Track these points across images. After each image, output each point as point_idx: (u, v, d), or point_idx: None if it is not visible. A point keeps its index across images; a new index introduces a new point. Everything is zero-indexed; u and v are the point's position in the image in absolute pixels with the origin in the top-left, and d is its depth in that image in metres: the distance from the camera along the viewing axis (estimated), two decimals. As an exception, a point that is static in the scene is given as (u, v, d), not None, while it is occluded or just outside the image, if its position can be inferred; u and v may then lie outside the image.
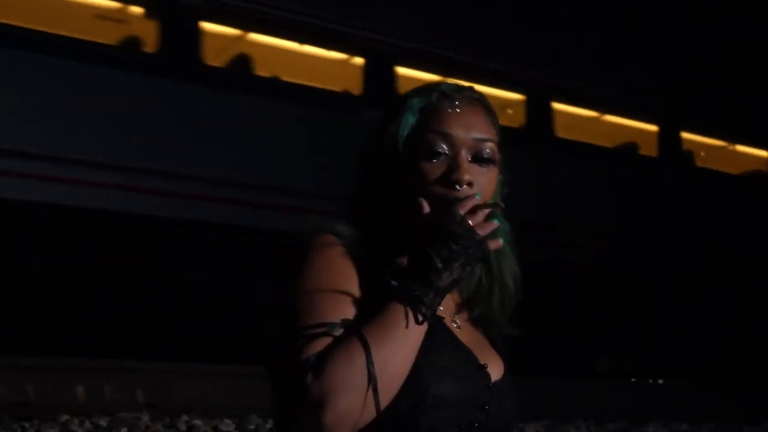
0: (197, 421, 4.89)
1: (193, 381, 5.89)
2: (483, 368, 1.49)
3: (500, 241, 1.46)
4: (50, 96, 6.85)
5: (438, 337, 1.44)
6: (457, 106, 1.51)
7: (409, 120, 1.52)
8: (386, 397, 1.33)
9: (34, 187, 6.73)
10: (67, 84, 6.91)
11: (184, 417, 4.99)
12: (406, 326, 1.36)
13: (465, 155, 1.49)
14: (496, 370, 1.53)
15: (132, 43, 7.54)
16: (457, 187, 1.45)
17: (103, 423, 4.69)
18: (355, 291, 1.42)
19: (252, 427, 5.00)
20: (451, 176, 1.46)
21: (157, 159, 7.19)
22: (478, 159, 1.50)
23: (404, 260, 1.46)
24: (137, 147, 7.16)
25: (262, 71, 8.07)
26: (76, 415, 4.78)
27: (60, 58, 6.90)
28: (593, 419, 6.58)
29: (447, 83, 1.55)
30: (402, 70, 8.57)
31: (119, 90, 7.14)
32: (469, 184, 1.46)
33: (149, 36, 7.49)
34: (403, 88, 7.61)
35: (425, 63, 8.73)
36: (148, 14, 7.58)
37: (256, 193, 7.57)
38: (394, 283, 1.38)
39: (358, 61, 8.48)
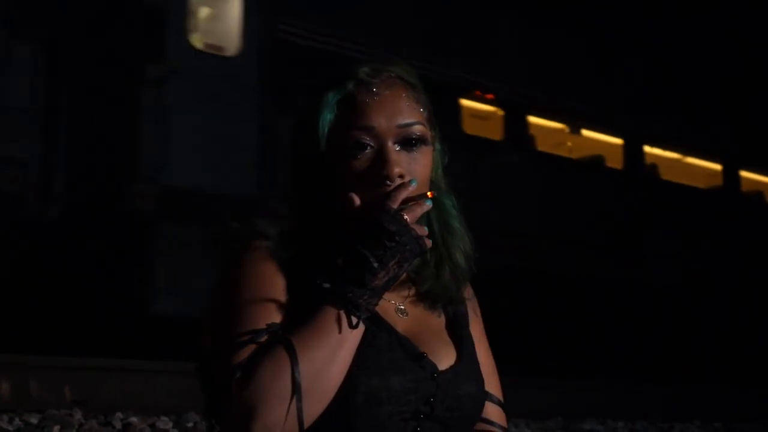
0: (133, 419, 4.69)
1: (124, 377, 5.66)
2: (423, 358, 1.39)
3: (429, 242, 1.37)
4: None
5: (370, 330, 1.35)
6: (375, 94, 1.40)
7: (327, 117, 1.41)
8: (319, 405, 1.27)
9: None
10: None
11: (119, 414, 4.77)
12: (339, 331, 1.29)
13: (392, 146, 1.39)
14: (445, 357, 1.43)
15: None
16: (388, 182, 1.36)
17: (33, 420, 4.46)
18: (282, 294, 1.35)
19: (190, 424, 4.83)
20: (379, 172, 1.37)
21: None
22: (407, 144, 1.40)
23: (339, 260, 1.36)
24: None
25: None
26: (5, 412, 4.53)
27: None
28: (530, 417, 6.55)
29: (364, 66, 1.42)
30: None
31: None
32: (401, 177, 1.37)
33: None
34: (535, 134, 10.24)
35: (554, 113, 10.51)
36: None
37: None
38: (326, 285, 1.30)
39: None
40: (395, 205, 1.33)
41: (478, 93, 9.83)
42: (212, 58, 7.48)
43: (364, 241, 1.31)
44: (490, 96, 9.93)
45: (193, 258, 6.72)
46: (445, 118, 1.54)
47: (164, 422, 4.76)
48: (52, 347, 6.13)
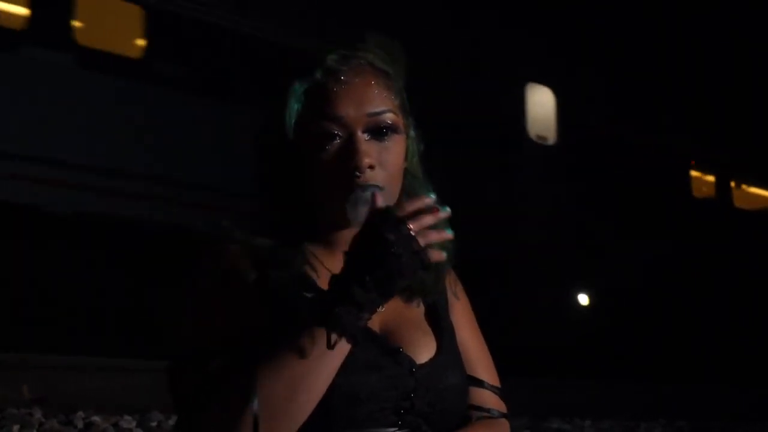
0: (95, 418, 4.58)
1: (85, 376, 5.55)
2: (400, 353, 1.34)
3: (443, 254, 1.25)
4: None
5: None
6: (343, 82, 1.34)
7: (295, 107, 1.36)
8: (294, 425, 1.21)
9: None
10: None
11: (81, 413, 4.67)
12: (313, 352, 1.20)
13: (361, 135, 1.34)
14: (424, 350, 1.39)
15: None
16: (357, 173, 1.31)
17: (-8, 419, 4.33)
18: (250, 299, 1.30)
19: (154, 423, 4.73)
20: (349, 162, 1.32)
21: None
22: (377, 133, 1.35)
23: (323, 270, 1.32)
24: None
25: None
26: (-39, 411, 4.41)
27: None
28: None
29: (333, 53, 1.37)
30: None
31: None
32: (371, 167, 1.32)
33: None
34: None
35: None
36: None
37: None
38: (308, 295, 1.25)
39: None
40: (404, 214, 1.22)
41: None
42: (540, 146, 10.44)
43: (357, 249, 1.22)
44: None
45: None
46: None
47: (127, 421, 4.67)
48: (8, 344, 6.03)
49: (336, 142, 1.34)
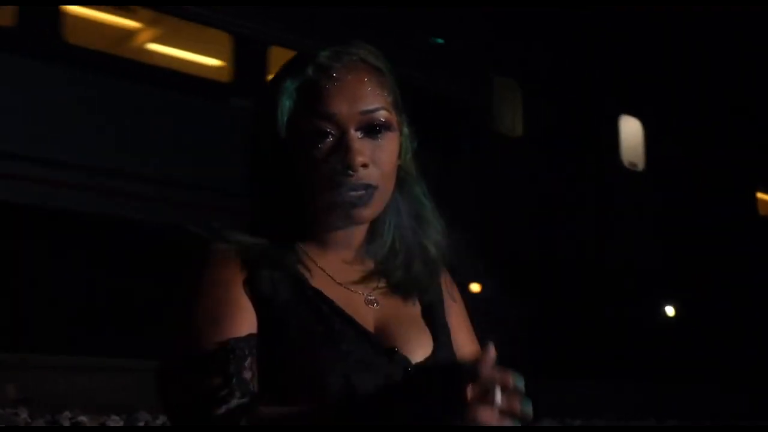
0: (82, 417, 4.55)
1: (71, 375, 5.51)
2: (394, 353, 1.31)
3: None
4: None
5: (338, 328, 1.28)
6: (336, 79, 1.32)
7: (286, 104, 1.32)
8: None
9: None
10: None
11: (67, 413, 4.63)
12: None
13: (354, 133, 1.31)
14: (420, 348, 1.36)
15: None
16: (350, 172, 1.28)
17: (-23, 419, 4.30)
18: (245, 300, 1.27)
19: (141, 423, 4.70)
20: (342, 161, 1.29)
21: None
22: (371, 131, 1.32)
23: (316, 269, 1.33)
24: None
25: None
26: (-54, 411, 4.38)
27: None
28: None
29: (325, 50, 1.34)
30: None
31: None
32: (364, 166, 1.29)
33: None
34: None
35: None
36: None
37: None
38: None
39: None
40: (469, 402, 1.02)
41: None
42: (631, 173, 11.60)
43: (408, 393, 1.08)
44: None
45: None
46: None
47: (115, 421, 4.64)
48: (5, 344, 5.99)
49: (329, 140, 1.31)
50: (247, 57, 7.93)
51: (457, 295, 1.53)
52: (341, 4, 8.48)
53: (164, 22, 7.84)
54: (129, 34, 7.82)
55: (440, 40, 9.86)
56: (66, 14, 7.13)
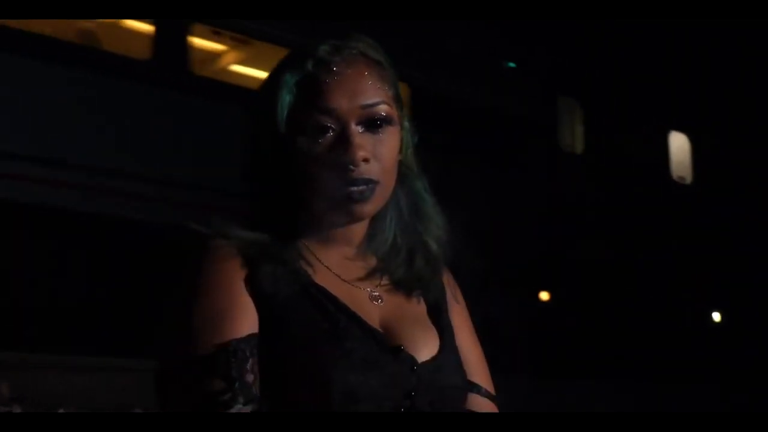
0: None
1: (70, 375, 5.52)
2: (400, 351, 1.29)
3: None
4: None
5: (343, 326, 1.26)
6: (336, 73, 1.30)
7: (286, 99, 1.30)
8: None
9: None
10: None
11: (61, 411, 4.63)
12: None
13: (355, 128, 1.29)
14: (426, 348, 1.34)
15: None
16: (351, 167, 1.27)
17: (-29, 417, 4.29)
18: (247, 297, 1.25)
19: (139, 423, 4.68)
20: (343, 156, 1.27)
21: None
22: (372, 126, 1.31)
23: (318, 265, 1.32)
24: None
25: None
26: (-59, 408, 4.37)
27: None
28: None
29: (324, 44, 1.32)
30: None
31: None
32: (365, 161, 1.28)
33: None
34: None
35: None
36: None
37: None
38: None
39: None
40: None
41: None
42: (680, 186, 12.46)
43: None
44: None
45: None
46: None
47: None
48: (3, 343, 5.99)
49: (329, 135, 1.30)
50: None
51: (460, 297, 1.51)
52: (418, 35, 9.03)
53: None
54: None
55: (513, 64, 10.62)
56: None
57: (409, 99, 8.56)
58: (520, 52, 10.80)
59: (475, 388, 1.42)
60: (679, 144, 12.63)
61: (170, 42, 7.54)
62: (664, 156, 12.44)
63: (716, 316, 13.06)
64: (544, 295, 10.71)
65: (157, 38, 7.52)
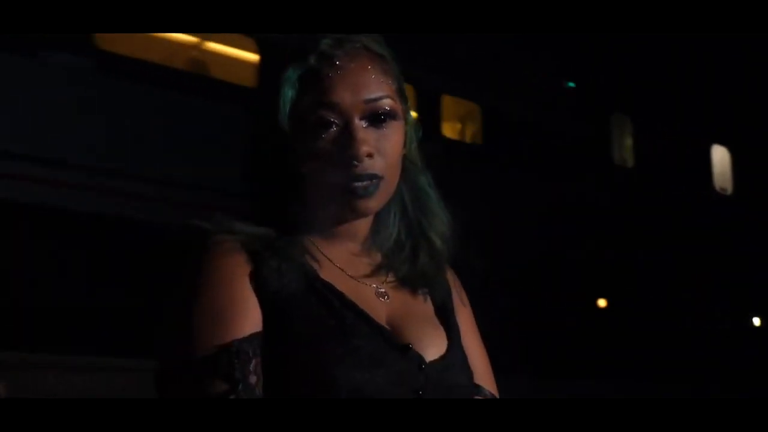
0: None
1: (64, 374, 5.51)
2: (408, 349, 1.27)
3: None
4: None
5: (350, 322, 1.24)
6: (339, 67, 1.28)
7: (288, 94, 1.28)
8: None
9: None
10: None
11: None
12: None
13: (358, 122, 1.28)
14: (433, 347, 1.32)
15: None
16: (355, 162, 1.25)
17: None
18: (251, 294, 1.23)
19: (139, 423, 4.67)
20: (346, 151, 1.25)
21: None
22: (375, 120, 1.29)
23: (323, 260, 1.29)
24: None
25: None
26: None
27: None
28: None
29: (326, 38, 1.30)
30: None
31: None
32: (369, 156, 1.26)
33: None
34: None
35: None
36: None
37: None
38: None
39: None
40: None
41: None
42: (722, 197, 13.18)
43: None
44: None
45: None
46: None
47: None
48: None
49: (332, 130, 1.28)
50: None
51: (466, 299, 1.49)
52: (491, 59, 9.76)
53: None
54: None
55: (572, 84, 11.37)
56: None
57: (481, 118, 9.45)
58: (577, 71, 11.65)
59: (478, 389, 1.41)
60: (720, 156, 13.47)
61: None
62: (707, 168, 13.31)
63: (756, 321, 13.97)
64: (602, 302, 11.53)
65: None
